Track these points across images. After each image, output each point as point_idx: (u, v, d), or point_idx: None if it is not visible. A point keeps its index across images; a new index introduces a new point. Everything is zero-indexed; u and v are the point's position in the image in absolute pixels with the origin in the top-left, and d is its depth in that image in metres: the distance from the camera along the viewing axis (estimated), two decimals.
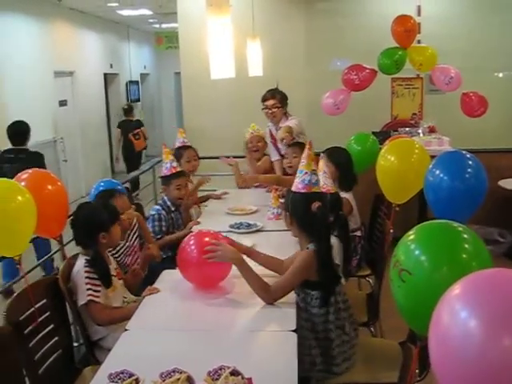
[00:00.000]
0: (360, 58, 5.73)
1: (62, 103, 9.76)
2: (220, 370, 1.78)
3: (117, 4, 9.88)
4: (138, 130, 10.19)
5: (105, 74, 11.97)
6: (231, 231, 3.55)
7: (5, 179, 2.86)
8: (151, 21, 12.66)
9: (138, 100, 13.75)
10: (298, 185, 2.49)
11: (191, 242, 2.69)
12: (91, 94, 11.05)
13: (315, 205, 2.42)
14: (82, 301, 2.66)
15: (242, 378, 1.76)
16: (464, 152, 2.98)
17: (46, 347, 2.49)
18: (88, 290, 2.65)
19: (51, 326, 2.56)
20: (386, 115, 7.14)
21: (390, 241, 3.18)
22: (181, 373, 1.77)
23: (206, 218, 4.08)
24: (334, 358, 2.42)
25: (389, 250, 3.05)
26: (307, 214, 2.44)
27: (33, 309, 2.43)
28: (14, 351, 2.21)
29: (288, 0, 7.63)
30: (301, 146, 4.18)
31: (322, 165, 3.21)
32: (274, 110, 4.80)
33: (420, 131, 6.03)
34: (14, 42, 8.03)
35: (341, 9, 7.62)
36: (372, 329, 3.21)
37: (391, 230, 3.27)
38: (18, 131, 5.27)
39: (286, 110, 4.89)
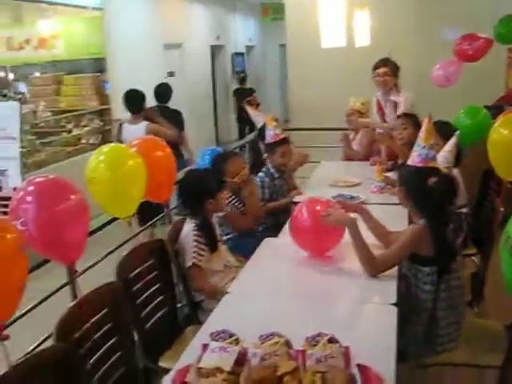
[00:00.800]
0: (473, 27, 5.45)
1: (170, 74, 10.04)
2: (318, 336, 1.78)
3: None
4: (251, 98, 10.69)
5: (211, 46, 12.15)
6: None
7: (117, 144, 3.00)
8: None
9: (243, 71, 13.87)
10: (414, 158, 2.40)
11: (303, 210, 2.73)
12: (198, 65, 11.28)
13: (432, 180, 2.33)
14: (188, 262, 2.77)
15: (340, 346, 1.76)
16: None
17: (152, 305, 2.61)
18: (194, 252, 2.75)
19: (157, 285, 2.68)
20: (498, 88, 6.74)
21: (500, 219, 3.04)
22: (280, 337, 1.80)
23: (308, 188, 4.09)
24: (440, 336, 2.37)
25: (497, 229, 2.92)
26: (422, 189, 2.36)
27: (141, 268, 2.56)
28: (123, 307, 2.33)
29: None
30: (409, 116, 4.06)
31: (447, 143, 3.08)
32: (386, 77, 4.63)
33: None
34: (129, 16, 8.35)
35: None
36: (475, 309, 3.10)
37: (501, 209, 3.12)
38: (162, 91, 6.15)
39: (397, 82, 4.70)
